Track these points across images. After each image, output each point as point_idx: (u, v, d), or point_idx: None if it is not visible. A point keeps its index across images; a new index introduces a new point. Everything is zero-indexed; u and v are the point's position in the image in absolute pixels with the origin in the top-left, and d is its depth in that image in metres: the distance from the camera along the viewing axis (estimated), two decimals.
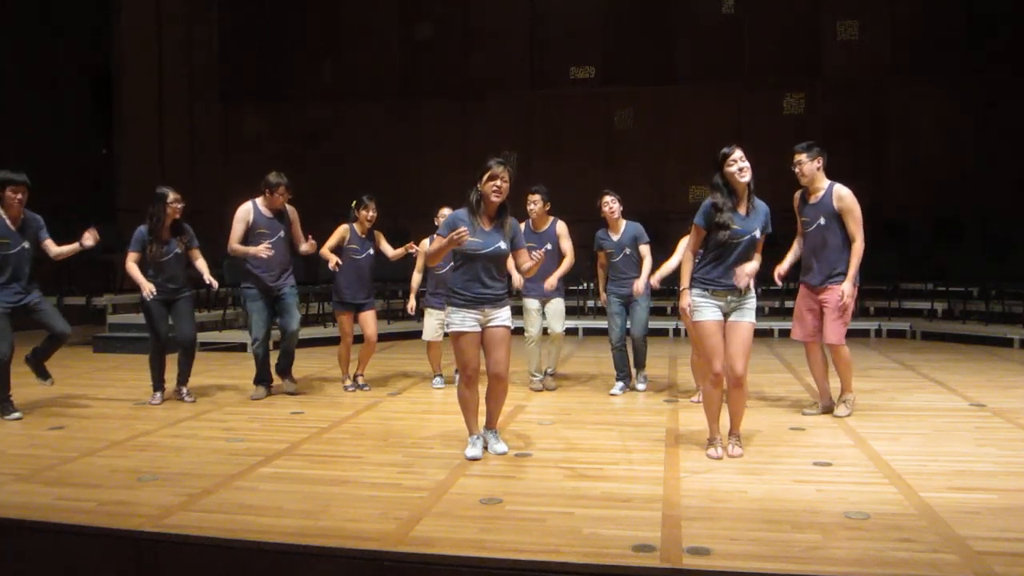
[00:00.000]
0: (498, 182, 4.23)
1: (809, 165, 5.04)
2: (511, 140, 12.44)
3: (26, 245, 5.57)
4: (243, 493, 3.82)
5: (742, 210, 4.27)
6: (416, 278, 6.64)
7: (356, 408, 5.85)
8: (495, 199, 4.26)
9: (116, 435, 5.02)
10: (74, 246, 5.67)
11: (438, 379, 6.67)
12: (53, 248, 5.73)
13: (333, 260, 6.19)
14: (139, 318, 9.29)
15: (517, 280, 4.23)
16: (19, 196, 5.46)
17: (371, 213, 6.34)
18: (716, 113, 12.04)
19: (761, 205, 4.34)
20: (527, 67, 12.76)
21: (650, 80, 12.36)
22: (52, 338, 5.72)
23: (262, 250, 5.91)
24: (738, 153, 4.23)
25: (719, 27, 12.20)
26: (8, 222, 5.50)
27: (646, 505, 3.55)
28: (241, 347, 8.95)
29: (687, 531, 3.21)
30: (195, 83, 13.06)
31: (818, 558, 2.95)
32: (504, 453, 4.42)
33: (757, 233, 4.27)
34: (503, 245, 4.28)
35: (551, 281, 6.10)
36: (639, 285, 6.01)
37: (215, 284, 6.10)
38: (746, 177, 4.22)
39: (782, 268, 5.23)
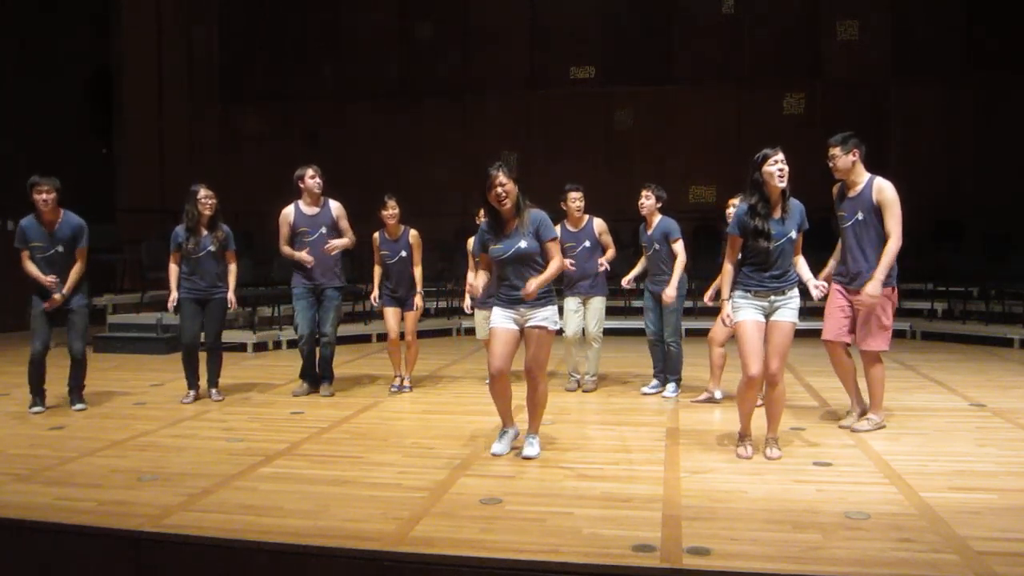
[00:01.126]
0: (499, 189, 4.21)
1: (843, 159, 4.83)
2: (511, 140, 12.48)
3: (60, 249, 5.60)
4: (243, 493, 3.82)
5: (776, 213, 4.24)
6: (471, 276, 6.51)
7: (356, 408, 5.85)
8: (505, 205, 4.25)
9: (116, 435, 5.02)
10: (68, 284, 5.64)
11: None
12: (75, 264, 5.69)
13: (374, 294, 6.44)
14: (139, 318, 9.34)
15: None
16: (43, 197, 5.49)
17: (387, 211, 6.30)
18: (716, 113, 12.04)
19: (796, 205, 4.32)
20: (527, 67, 12.74)
21: (650, 80, 12.34)
22: (71, 362, 5.77)
23: (305, 257, 6.04)
24: (781, 155, 4.20)
25: (719, 27, 12.18)
26: (42, 226, 5.55)
27: (646, 505, 3.55)
28: (241, 347, 8.95)
29: (687, 531, 3.21)
30: (195, 83, 13.06)
31: (818, 558, 2.95)
32: (530, 458, 4.33)
33: (793, 234, 4.25)
34: (523, 244, 4.23)
35: (600, 260, 6.11)
36: (667, 294, 5.90)
37: (233, 304, 6.10)
38: (784, 182, 4.19)
39: (825, 273, 4.95)
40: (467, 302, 6.53)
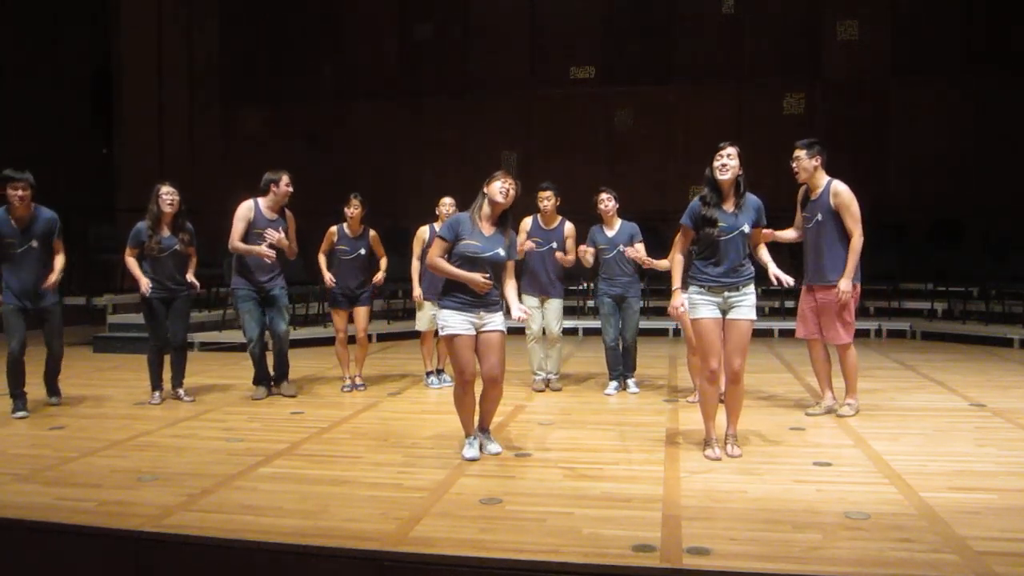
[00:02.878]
0: (506, 184, 4.27)
1: (806, 162, 5.05)
2: (511, 140, 12.50)
3: (34, 244, 5.51)
4: (243, 493, 3.82)
5: (728, 206, 4.29)
6: (415, 265, 6.55)
7: (356, 408, 5.85)
8: (500, 200, 4.27)
9: (116, 435, 5.02)
10: (54, 276, 5.59)
11: (433, 378, 6.67)
12: (54, 257, 5.66)
13: (327, 278, 6.32)
14: (139, 318, 9.27)
15: (514, 310, 4.25)
16: (19, 193, 5.37)
17: (351, 210, 6.29)
18: (716, 113, 12.02)
19: (752, 200, 4.36)
20: (527, 67, 12.74)
21: (650, 80, 12.34)
22: (47, 357, 5.81)
23: (265, 251, 5.85)
24: (728, 150, 4.26)
25: (719, 27, 12.18)
26: (13, 222, 5.45)
27: (646, 505, 3.55)
28: (241, 347, 8.91)
29: (687, 531, 3.21)
30: (195, 83, 13.05)
31: (818, 558, 2.95)
32: (498, 453, 4.42)
33: (746, 228, 4.28)
34: (501, 252, 4.30)
35: (559, 255, 6.17)
36: (635, 251, 5.98)
37: (196, 284, 6.02)
38: (726, 175, 4.25)
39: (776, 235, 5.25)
40: (417, 292, 6.53)
